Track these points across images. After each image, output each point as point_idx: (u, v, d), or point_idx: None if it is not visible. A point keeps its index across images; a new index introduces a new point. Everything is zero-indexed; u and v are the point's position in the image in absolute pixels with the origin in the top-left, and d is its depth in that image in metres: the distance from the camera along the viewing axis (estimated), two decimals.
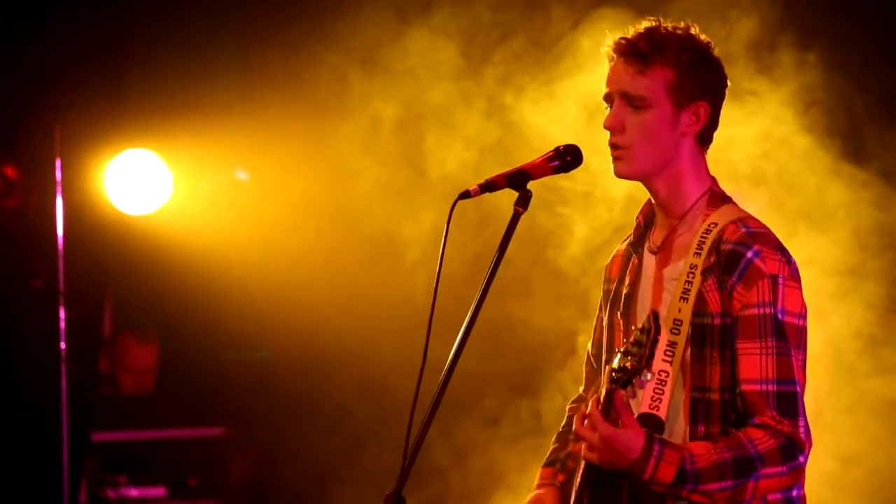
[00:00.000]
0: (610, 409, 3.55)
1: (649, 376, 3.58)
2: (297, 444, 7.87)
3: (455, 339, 3.51)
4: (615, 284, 3.86)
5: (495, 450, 6.72)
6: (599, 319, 3.94)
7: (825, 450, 5.44)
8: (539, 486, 3.95)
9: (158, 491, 7.40)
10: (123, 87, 7.72)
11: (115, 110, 7.68)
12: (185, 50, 7.79)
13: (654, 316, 3.53)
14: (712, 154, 3.78)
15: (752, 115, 5.81)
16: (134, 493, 7.34)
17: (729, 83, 3.75)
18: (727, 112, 3.78)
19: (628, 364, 3.52)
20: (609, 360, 3.65)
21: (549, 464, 3.98)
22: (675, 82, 3.65)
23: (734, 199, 3.78)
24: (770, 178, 5.93)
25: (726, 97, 3.75)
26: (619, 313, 3.80)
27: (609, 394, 3.54)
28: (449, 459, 6.90)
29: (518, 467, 6.38)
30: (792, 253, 3.65)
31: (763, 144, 5.90)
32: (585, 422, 3.54)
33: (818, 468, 4.34)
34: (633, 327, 3.63)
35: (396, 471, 3.44)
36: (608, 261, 3.96)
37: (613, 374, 3.54)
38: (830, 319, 5.73)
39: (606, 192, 6.06)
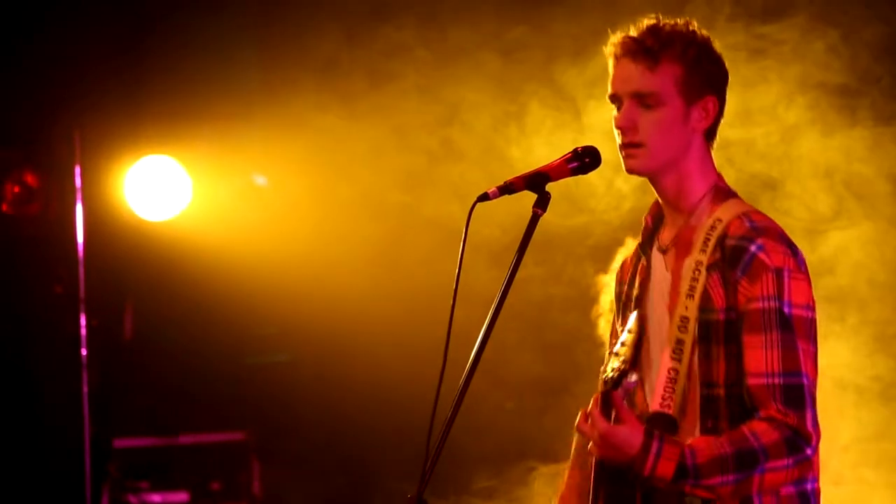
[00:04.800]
0: (610, 408, 3.55)
1: (634, 377, 3.59)
2: (318, 448, 7.87)
3: (476, 340, 3.51)
4: (626, 287, 3.86)
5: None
6: (614, 323, 3.94)
7: None
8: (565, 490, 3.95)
9: (181, 496, 7.41)
10: (142, 94, 7.73)
11: (134, 116, 7.70)
12: (203, 55, 7.80)
13: (641, 318, 3.49)
14: None
15: None
16: (156, 498, 7.35)
17: None
18: None
19: (618, 365, 3.51)
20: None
21: (579, 466, 3.96)
22: (684, 78, 3.66)
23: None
24: None
25: None
26: (632, 315, 3.80)
27: (605, 396, 3.53)
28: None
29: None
30: None
31: None
32: (588, 420, 3.53)
33: None
34: (623, 329, 3.61)
35: (419, 472, 3.44)
36: (618, 263, 3.96)
37: (607, 375, 3.54)
38: None
39: None
